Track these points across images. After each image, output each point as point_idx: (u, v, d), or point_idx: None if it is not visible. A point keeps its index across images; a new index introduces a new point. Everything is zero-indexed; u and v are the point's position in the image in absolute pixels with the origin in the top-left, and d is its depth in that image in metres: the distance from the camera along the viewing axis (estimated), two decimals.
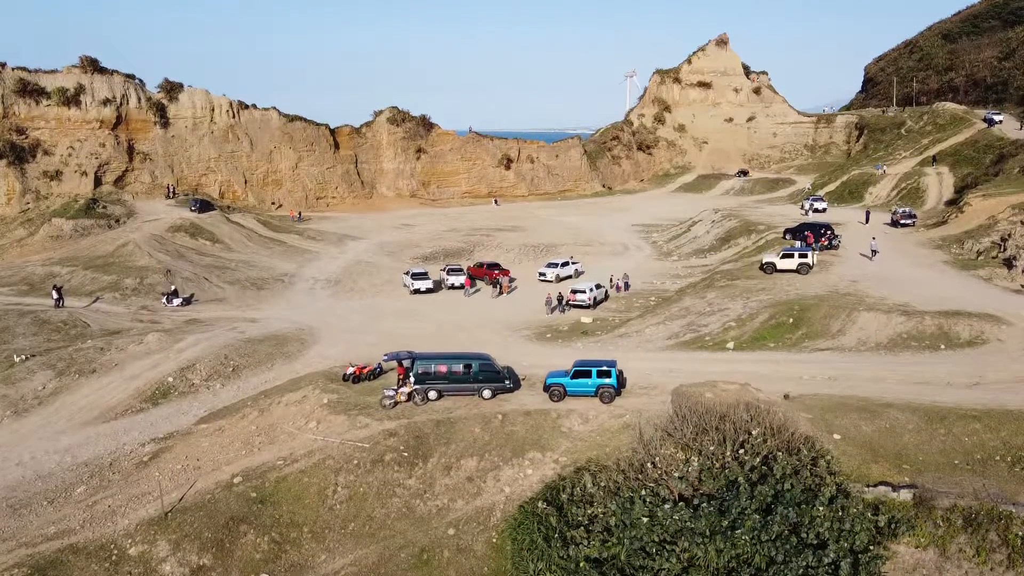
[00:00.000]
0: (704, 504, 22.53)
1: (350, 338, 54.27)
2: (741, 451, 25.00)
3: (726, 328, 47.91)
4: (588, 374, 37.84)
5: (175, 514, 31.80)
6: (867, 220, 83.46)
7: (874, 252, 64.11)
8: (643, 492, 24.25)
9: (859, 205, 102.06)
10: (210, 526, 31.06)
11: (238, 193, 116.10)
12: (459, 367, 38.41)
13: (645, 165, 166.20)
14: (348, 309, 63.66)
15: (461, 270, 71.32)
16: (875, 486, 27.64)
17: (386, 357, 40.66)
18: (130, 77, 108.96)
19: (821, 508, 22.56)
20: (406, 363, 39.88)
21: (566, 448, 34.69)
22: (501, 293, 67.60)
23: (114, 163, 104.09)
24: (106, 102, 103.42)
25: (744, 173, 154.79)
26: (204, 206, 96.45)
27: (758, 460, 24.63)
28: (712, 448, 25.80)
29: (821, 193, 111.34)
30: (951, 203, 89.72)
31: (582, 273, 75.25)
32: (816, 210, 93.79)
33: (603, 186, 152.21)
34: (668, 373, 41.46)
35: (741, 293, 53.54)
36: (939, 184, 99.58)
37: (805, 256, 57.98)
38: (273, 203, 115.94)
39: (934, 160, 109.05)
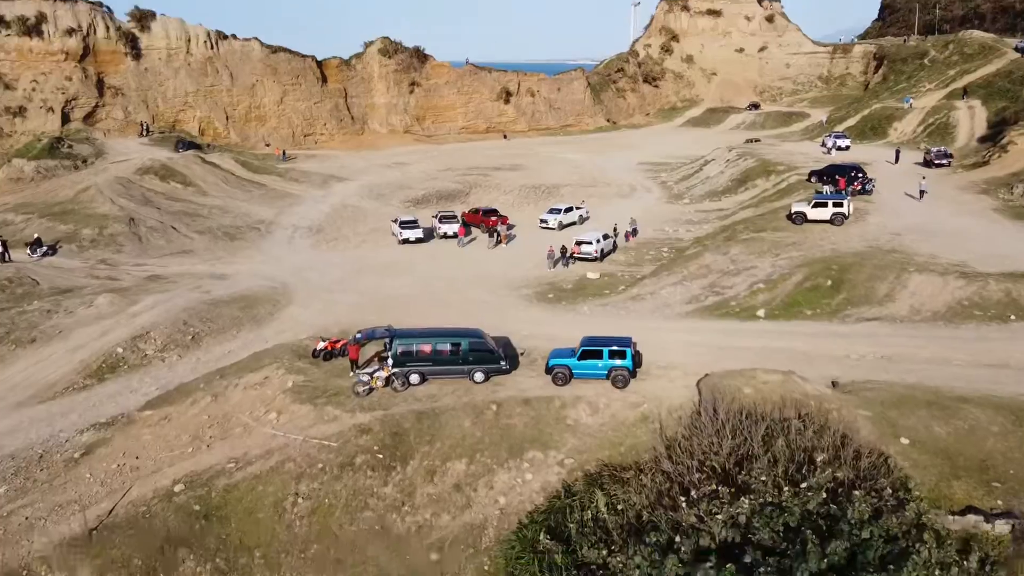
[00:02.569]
0: (761, 568, 16.98)
1: (328, 297, 48.40)
2: (803, 485, 19.37)
3: (754, 291, 41.90)
4: (599, 354, 32.04)
5: (102, 531, 26.43)
6: (897, 160, 76.71)
7: (923, 192, 57.94)
8: (677, 538, 18.70)
9: (883, 142, 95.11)
10: (142, 548, 25.70)
11: (219, 130, 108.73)
12: (446, 346, 32.52)
13: (651, 98, 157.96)
14: (329, 262, 57.59)
15: (455, 217, 64.89)
16: (961, 514, 22.08)
17: (360, 335, 34.68)
18: (96, 4, 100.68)
19: (915, 572, 16.96)
20: (363, 341, 34.45)
21: (573, 446, 29.14)
22: (499, 243, 61.41)
23: (82, 98, 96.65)
24: (71, 32, 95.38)
25: (755, 106, 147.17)
26: (190, 147, 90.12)
27: (824, 494, 19.02)
28: (763, 478, 20.15)
29: (840, 128, 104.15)
30: (985, 140, 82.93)
31: (587, 219, 68.88)
32: (839, 148, 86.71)
33: (607, 120, 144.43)
34: (690, 348, 35.68)
35: (769, 248, 47.30)
36: (971, 119, 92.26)
37: (840, 205, 51.46)
38: (267, 144, 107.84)
39: (964, 93, 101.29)
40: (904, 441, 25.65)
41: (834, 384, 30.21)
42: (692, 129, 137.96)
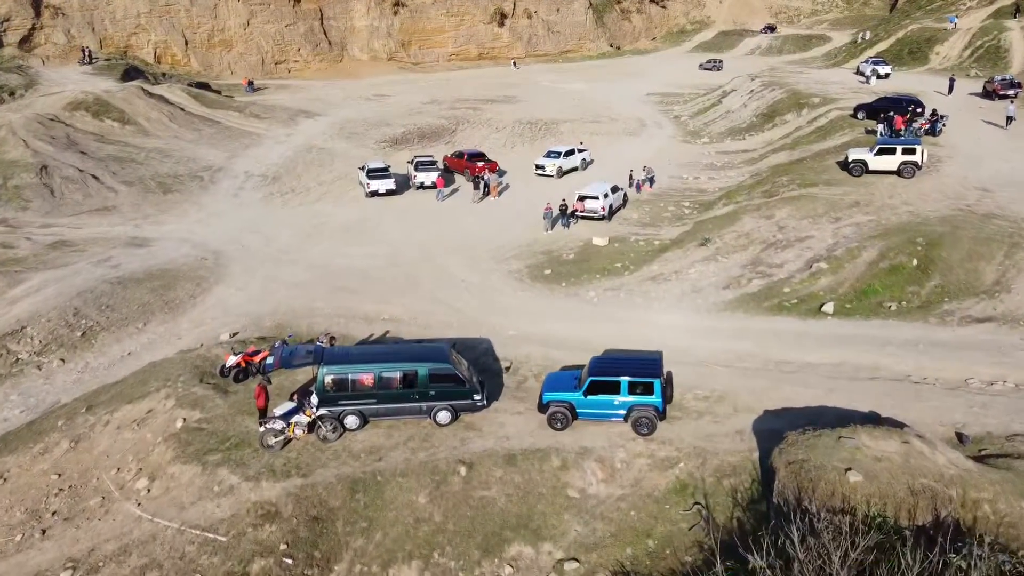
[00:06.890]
0: None
1: (269, 272, 38.52)
2: None
3: (813, 273, 31.84)
4: (614, 387, 22.32)
5: None
6: (951, 90, 65.56)
7: (1009, 119, 48.28)
8: None
9: (923, 68, 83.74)
10: None
11: (178, 57, 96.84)
12: (395, 374, 22.69)
13: (658, 20, 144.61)
14: (280, 221, 47.44)
15: (434, 163, 54.26)
16: None
17: (270, 362, 24.16)
18: None
19: None
20: (272, 369, 24.19)
21: (577, 537, 19.73)
22: (486, 195, 51.07)
23: (16, 19, 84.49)
24: None
25: (771, 29, 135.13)
26: (139, 76, 79.77)
27: None
28: None
29: (872, 53, 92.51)
30: None
31: (590, 163, 58.36)
32: (880, 76, 75.26)
33: (610, 45, 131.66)
34: (738, 363, 25.98)
35: (826, 210, 36.92)
36: None
37: (912, 151, 40.74)
38: (247, 77, 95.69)
39: (1016, 11, 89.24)
40: None
41: (960, 438, 20.65)
42: (703, 55, 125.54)
